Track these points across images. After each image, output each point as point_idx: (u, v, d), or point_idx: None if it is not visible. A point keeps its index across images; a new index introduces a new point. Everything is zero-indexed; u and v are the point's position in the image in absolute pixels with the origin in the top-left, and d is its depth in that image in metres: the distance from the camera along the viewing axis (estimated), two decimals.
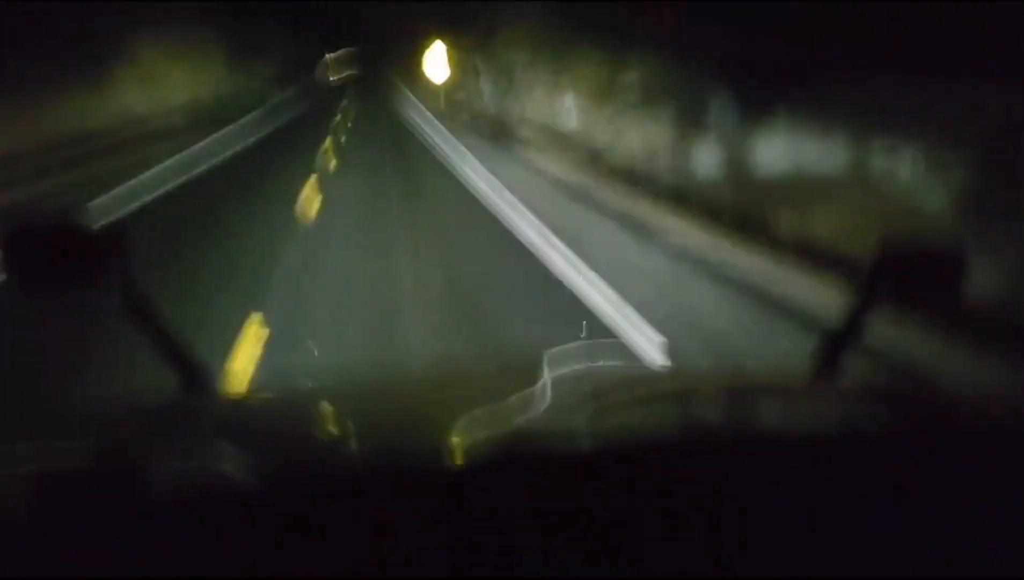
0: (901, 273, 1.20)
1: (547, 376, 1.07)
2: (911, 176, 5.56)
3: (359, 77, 46.78)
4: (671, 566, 0.60)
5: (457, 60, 31.77)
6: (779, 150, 7.36)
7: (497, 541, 0.60)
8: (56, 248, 1.12)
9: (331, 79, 47.73)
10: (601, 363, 1.51)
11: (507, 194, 10.12)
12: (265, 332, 5.03)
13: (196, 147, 15.92)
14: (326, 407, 1.11)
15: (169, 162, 13.56)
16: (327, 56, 49.35)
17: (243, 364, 4.53)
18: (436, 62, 30.11)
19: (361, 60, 49.53)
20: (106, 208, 9.44)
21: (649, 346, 4.66)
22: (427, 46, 27.46)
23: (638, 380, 1.47)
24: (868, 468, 0.72)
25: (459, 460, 0.75)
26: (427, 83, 33.22)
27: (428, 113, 26.14)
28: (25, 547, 0.59)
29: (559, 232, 7.70)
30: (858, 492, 0.69)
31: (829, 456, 0.74)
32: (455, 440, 0.81)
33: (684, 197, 8.96)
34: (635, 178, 10.56)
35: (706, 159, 8.83)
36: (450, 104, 30.34)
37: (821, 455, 0.74)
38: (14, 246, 1.11)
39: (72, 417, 1.07)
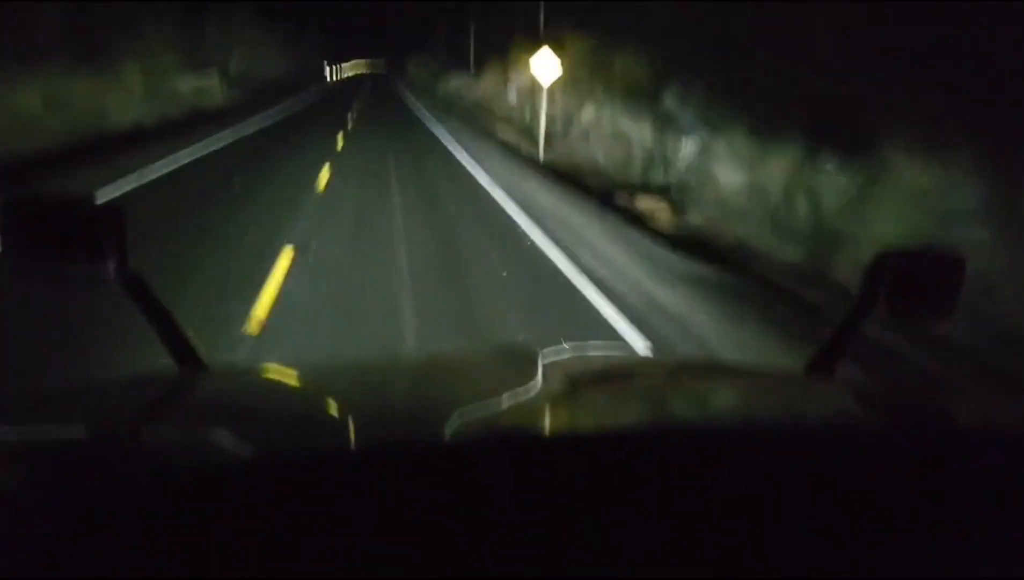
0: (899, 276, 1.19)
1: (540, 360, 1.12)
2: None
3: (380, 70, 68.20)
4: (660, 552, 0.59)
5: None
6: None
7: (489, 522, 0.60)
8: (53, 223, 1.12)
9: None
10: (592, 350, 1.93)
11: None
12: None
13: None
14: (321, 385, 1.11)
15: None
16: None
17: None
18: (544, 60, 13.82)
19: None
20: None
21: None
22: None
23: (630, 366, 1.49)
24: (865, 465, 0.70)
25: (452, 439, 0.74)
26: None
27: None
28: (18, 522, 0.58)
29: None
30: (853, 489, 0.67)
31: (822, 451, 0.72)
32: (448, 419, 0.80)
33: None
34: None
35: None
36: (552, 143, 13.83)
37: (814, 449, 0.73)
38: (11, 220, 1.11)
39: (65, 392, 1.08)
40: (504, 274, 6.55)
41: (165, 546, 0.55)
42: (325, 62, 55.95)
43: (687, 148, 10.25)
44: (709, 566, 0.58)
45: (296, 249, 6.68)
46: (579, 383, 1.05)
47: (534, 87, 15.70)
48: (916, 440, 0.76)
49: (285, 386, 1.14)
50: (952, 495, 0.67)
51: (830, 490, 0.66)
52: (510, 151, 15.71)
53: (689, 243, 7.89)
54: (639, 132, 11.82)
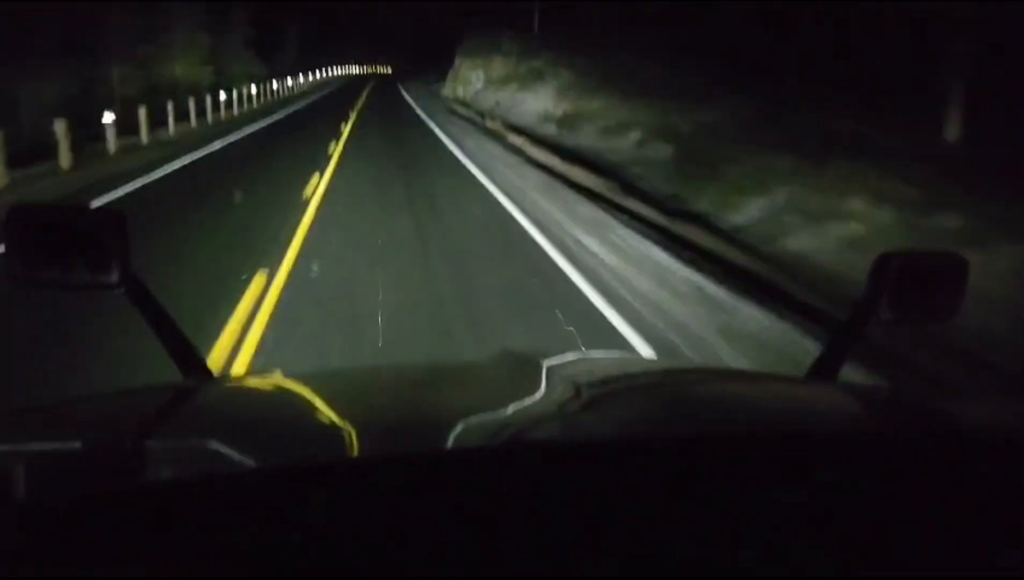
0: (901, 278, 1.18)
1: (544, 368, 1.16)
2: None
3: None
4: (665, 559, 0.60)
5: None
6: None
7: (496, 531, 0.60)
8: (55, 229, 1.12)
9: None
10: (596, 356, 2.06)
11: None
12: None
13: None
14: (324, 394, 1.09)
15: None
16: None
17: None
18: None
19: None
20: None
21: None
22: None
23: (634, 372, 1.45)
24: (866, 466, 0.72)
25: (457, 448, 0.75)
26: None
27: None
28: (19, 534, 0.57)
29: None
30: (855, 491, 0.68)
31: (825, 455, 0.74)
32: (453, 428, 0.81)
33: None
34: None
35: None
36: None
37: (817, 453, 0.74)
38: (13, 227, 1.11)
39: (70, 403, 1.11)
40: None
41: (169, 555, 0.56)
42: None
43: None
44: (713, 569, 0.60)
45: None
46: (583, 390, 1.03)
47: None
48: (918, 443, 0.78)
49: (287, 395, 1.12)
50: (954, 497, 0.68)
51: (833, 494, 0.67)
52: None
53: None
54: None
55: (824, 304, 5.07)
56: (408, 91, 36.52)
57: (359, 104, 26.73)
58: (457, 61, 28.49)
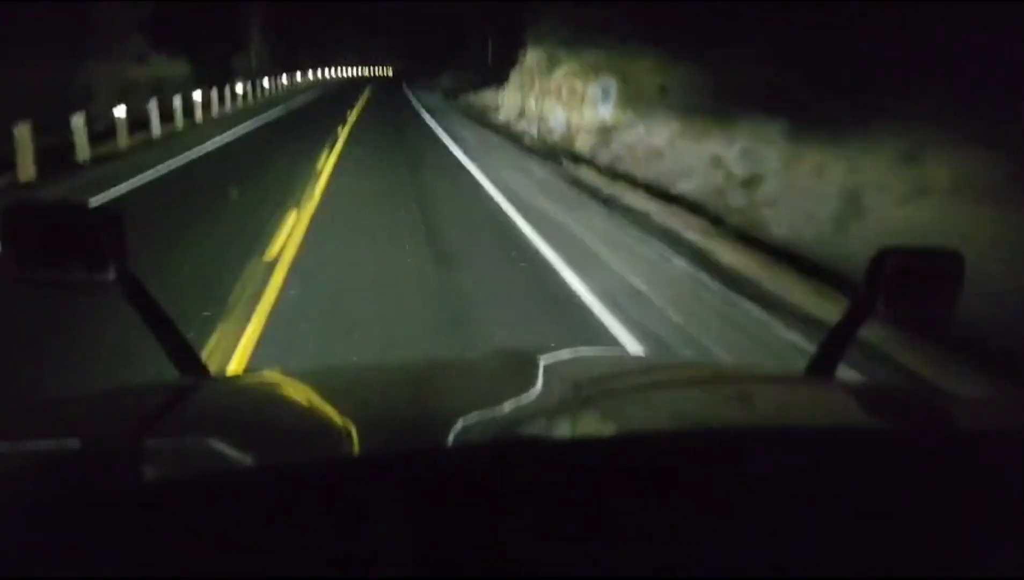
0: (897, 276, 1.20)
1: (540, 365, 1.17)
2: None
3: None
4: (663, 552, 0.61)
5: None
6: None
7: (493, 528, 0.61)
8: (53, 229, 1.14)
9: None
10: (591, 353, 1.98)
11: None
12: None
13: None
14: (321, 392, 1.10)
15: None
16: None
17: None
18: None
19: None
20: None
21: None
22: None
23: (631, 369, 1.46)
24: (865, 466, 0.72)
25: (455, 445, 0.75)
26: None
27: None
28: (18, 533, 0.58)
29: None
30: (854, 489, 0.68)
31: (822, 452, 0.74)
32: (450, 426, 0.81)
33: None
34: None
35: None
36: None
37: (814, 451, 0.74)
38: (11, 226, 1.12)
39: (67, 402, 1.12)
40: None
41: (166, 554, 0.56)
42: None
43: None
44: (711, 566, 0.60)
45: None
46: (580, 387, 1.05)
47: None
48: (916, 441, 0.78)
49: (284, 393, 1.14)
50: (952, 496, 0.68)
51: (830, 491, 0.67)
52: None
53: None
54: None
55: None
56: (436, 117, 20.36)
57: (331, 162, 11.96)
58: (531, 58, 16.55)
